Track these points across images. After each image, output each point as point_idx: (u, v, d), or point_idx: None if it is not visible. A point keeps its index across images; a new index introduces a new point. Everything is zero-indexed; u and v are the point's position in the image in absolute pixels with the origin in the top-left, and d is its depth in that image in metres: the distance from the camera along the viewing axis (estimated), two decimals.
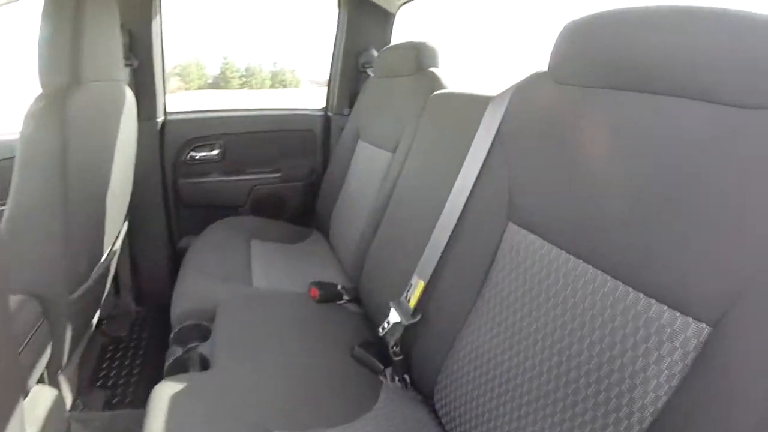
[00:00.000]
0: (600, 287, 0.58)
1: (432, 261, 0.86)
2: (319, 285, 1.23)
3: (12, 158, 0.86)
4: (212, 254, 1.39)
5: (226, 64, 5.15)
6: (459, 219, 0.83)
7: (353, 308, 1.23)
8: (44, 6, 0.87)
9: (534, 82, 0.79)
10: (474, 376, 0.75)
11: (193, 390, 0.81)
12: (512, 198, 0.75)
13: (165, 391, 0.79)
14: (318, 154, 1.91)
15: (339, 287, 1.26)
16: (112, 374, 1.44)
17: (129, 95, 1.18)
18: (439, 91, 1.14)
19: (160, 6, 1.54)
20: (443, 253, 0.85)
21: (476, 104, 0.89)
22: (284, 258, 1.45)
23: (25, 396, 0.87)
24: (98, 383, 1.39)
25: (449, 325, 0.82)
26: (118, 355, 1.52)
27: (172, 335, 1.10)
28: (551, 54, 0.73)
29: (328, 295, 1.21)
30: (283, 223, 1.75)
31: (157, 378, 0.85)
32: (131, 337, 1.61)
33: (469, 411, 0.74)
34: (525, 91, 0.80)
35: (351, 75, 1.83)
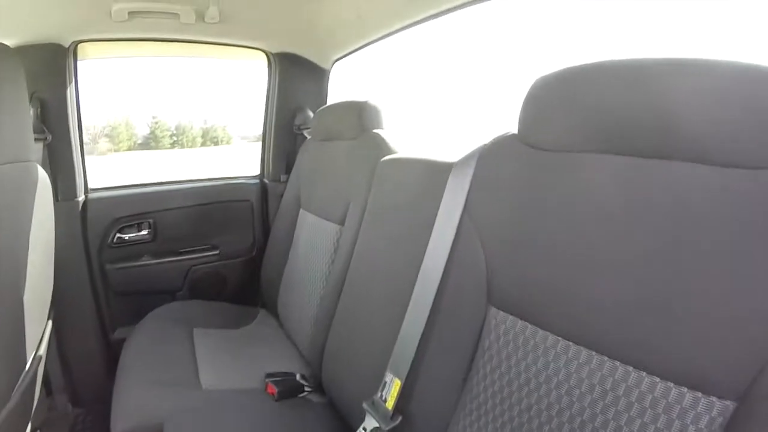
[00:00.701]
0: (609, 375, 0.53)
1: (407, 355, 0.76)
2: (276, 380, 1.09)
3: None
4: (151, 352, 1.21)
5: (156, 123, 5.05)
6: (433, 304, 0.74)
7: (316, 399, 1.10)
8: None
9: (502, 145, 0.72)
10: None
11: None
12: (491, 278, 0.67)
13: None
14: (257, 225, 1.77)
15: (298, 377, 1.13)
16: None
17: (42, 176, 1.01)
18: (389, 156, 1.05)
19: (76, 70, 1.37)
20: (419, 344, 0.75)
21: (436, 171, 0.82)
22: (232, 347, 1.30)
23: None
24: None
25: (435, 423, 0.73)
26: None
27: None
28: (520, 115, 0.67)
29: (287, 390, 1.08)
30: (227, 305, 1.60)
31: None
32: None
33: None
34: (492, 156, 0.73)
35: (286, 138, 1.73)
